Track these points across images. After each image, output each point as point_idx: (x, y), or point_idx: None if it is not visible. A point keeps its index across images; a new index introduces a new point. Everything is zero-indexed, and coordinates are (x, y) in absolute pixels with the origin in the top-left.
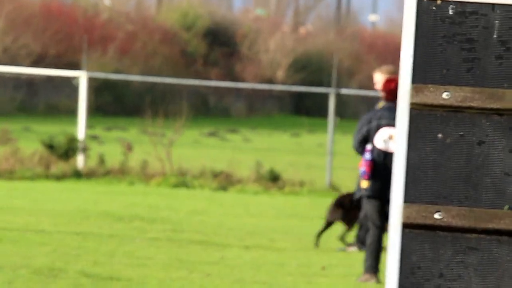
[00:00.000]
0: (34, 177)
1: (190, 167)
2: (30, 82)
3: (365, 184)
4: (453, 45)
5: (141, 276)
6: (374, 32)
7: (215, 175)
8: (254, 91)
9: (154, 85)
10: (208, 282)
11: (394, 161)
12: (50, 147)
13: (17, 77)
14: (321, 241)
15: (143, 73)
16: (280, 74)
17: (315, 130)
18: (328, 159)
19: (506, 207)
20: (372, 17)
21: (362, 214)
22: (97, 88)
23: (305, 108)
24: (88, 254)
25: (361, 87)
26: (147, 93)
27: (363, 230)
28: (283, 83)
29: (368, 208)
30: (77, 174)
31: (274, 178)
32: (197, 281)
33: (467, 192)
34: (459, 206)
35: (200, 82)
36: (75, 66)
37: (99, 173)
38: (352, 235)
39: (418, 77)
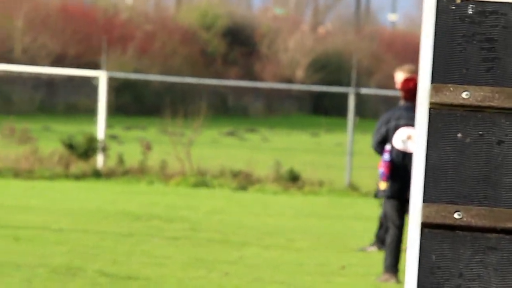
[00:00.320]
0: (53, 177)
1: (209, 166)
2: (50, 82)
3: (383, 185)
4: (473, 45)
5: (159, 275)
6: (394, 31)
7: (234, 174)
8: (273, 90)
9: (173, 84)
10: (226, 281)
11: (413, 161)
12: (70, 146)
13: (37, 77)
14: (340, 241)
15: (163, 72)
16: (299, 73)
17: (333, 130)
18: (347, 158)
19: None
20: (392, 17)
21: (381, 213)
22: (117, 88)
23: (323, 108)
24: (106, 253)
25: (380, 86)
26: (166, 92)
27: (383, 230)
28: (302, 82)
29: (387, 207)
30: (97, 174)
31: (293, 178)
32: (216, 280)
33: (487, 191)
34: (479, 205)
35: (219, 81)
36: (94, 66)
37: (118, 172)
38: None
39: (438, 77)
